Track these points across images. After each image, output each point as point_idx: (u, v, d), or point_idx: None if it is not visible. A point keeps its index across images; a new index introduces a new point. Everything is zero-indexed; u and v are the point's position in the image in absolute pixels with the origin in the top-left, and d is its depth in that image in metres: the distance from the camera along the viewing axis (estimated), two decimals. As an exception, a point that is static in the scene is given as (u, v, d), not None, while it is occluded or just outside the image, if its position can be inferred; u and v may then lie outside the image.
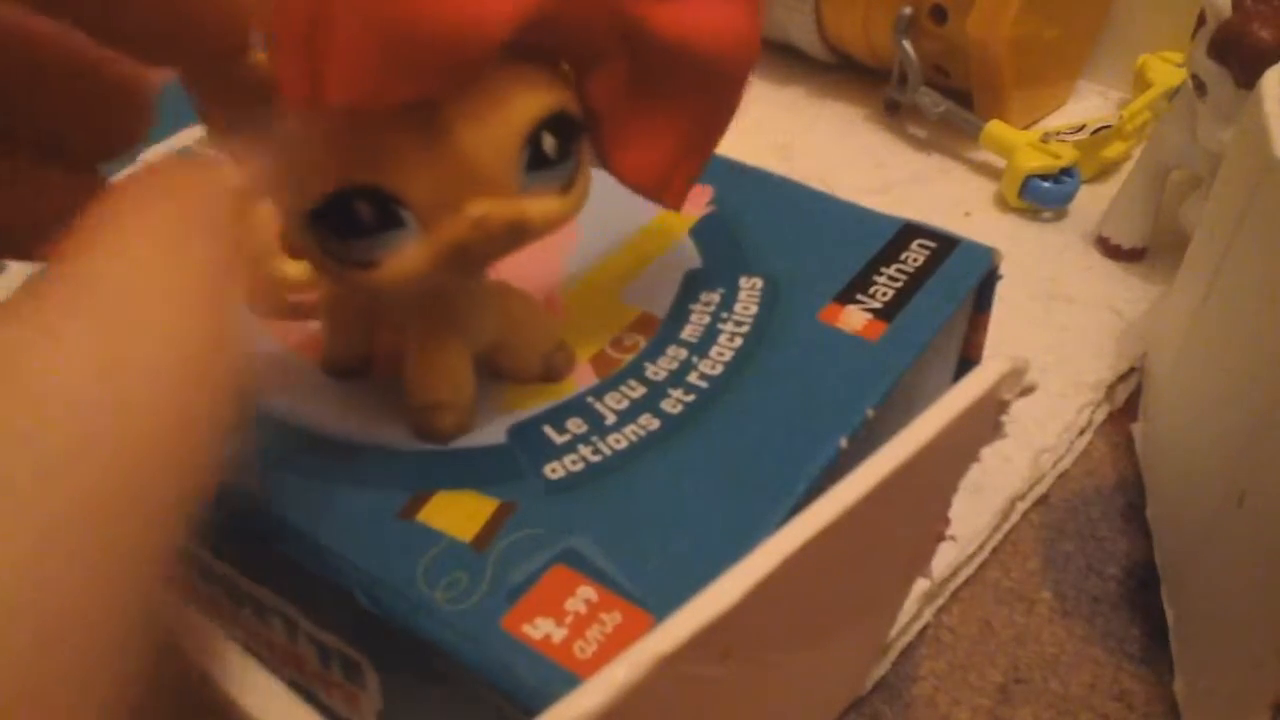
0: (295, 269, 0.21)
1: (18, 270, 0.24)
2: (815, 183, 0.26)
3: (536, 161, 0.16)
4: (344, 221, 0.16)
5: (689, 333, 0.22)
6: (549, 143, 0.16)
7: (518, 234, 0.17)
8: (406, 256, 0.16)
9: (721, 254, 0.24)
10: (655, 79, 0.17)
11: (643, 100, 0.17)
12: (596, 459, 0.19)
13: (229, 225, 0.13)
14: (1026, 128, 0.46)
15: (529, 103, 0.16)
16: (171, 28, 0.14)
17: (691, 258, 0.24)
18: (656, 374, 0.21)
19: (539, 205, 0.17)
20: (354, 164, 0.15)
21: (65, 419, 0.10)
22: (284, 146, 0.15)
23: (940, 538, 0.24)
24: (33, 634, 0.09)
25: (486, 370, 0.20)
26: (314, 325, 0.22)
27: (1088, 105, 0.49)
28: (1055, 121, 0.47)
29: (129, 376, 0.10)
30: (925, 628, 0.28)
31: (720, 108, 0.18)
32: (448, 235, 0.16)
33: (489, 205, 0.16)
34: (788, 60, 0.52)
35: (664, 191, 0.19)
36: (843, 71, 0.51)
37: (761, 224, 0.25)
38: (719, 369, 0.21)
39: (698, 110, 0.18)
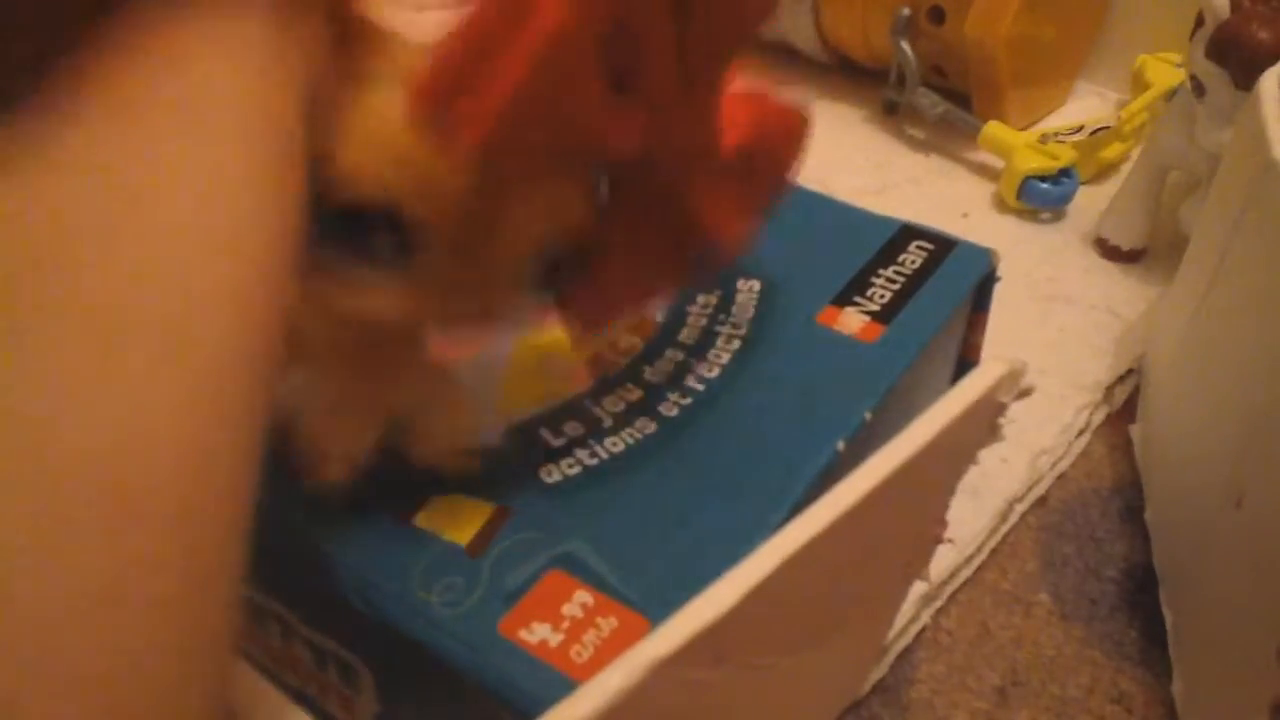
0: None
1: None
2: (813, 184, 0.26)
3: (545, 281, 0.17)
4: (352, 235, 0.16)
5: (686, 336, 0.22)
6: (555, 269, 0.17)
7: (478, 326, 0.17)
8: (394, 297, 0.16)
9: (719, 256, 0.24)
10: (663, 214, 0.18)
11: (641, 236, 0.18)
12: (593, 462, 0.19)
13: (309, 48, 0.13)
14: (1025, 129, 0.46)
15: (555, 214, 0.16)
16: None
17: (689, 260, 0.24)
18: (654, 377, 0.21)
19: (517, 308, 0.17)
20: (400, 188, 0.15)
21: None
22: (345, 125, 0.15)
23: (938, 540, 0.24)
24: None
25: (390, 439, 0.19)
26: None
27: (1086, 106, 0.49)
28: (1054, 122, 0.47)
29: (226, 184, 0.11)
30: (923, 630, 0.28)
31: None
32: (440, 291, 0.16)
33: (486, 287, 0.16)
34: (786, 61, 0.51)
35: (597, 325, 0.19)
36: (841, 72, 0.51)
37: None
38: (716, 372, 0.21)
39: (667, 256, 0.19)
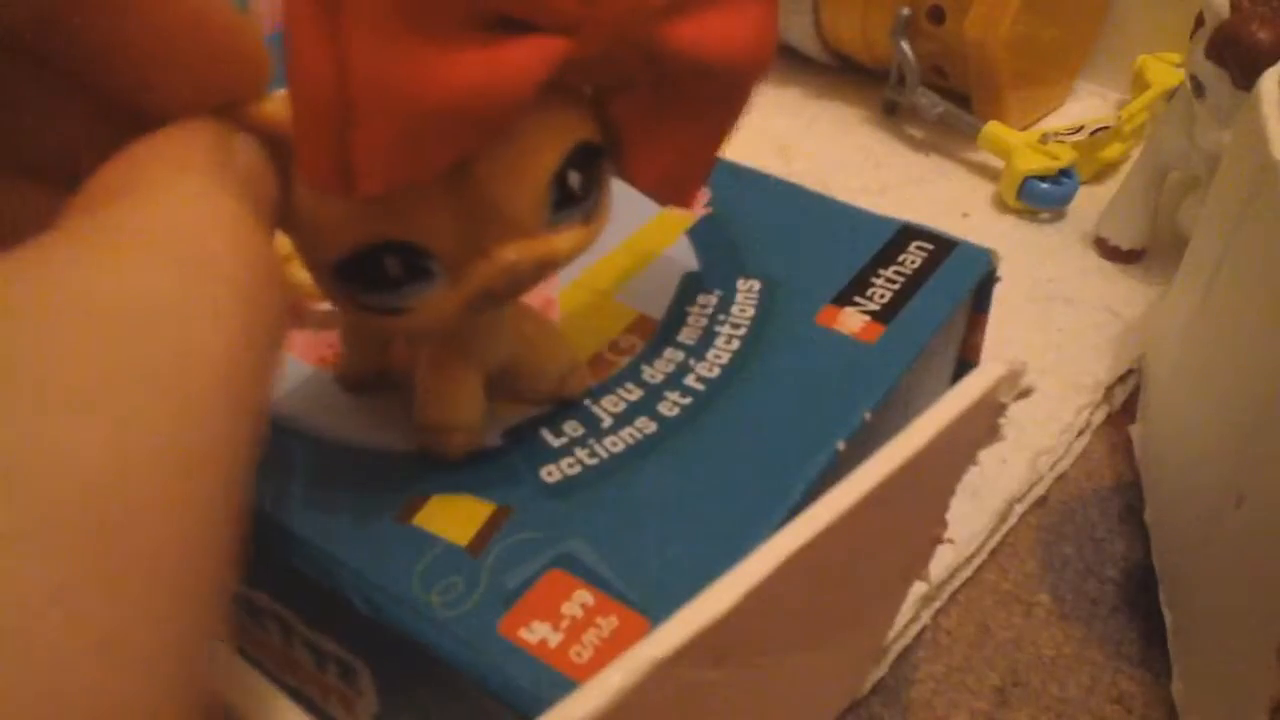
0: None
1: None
2: (813, 184, 0.26)
3: (562, 200, 0.16)
4: (371, 275, 0.15)
5: (686, 335, 0.22)
6: (575, 179, 0.16)
7: (546, 271, 0.16)
8: (434, 303, 0.16)
9: (719, 256, 0.24)
10: (676, 93, 0.17)
11: (663, 113, 0.17)
12: (593, 462, 0.19)
13: (266, 176, 0.13)
14: (1025, 129, 0.46)
15: (554, 143, 0.16)
16: (179, 63, 0.13)
17: (689, 260, 0.24)
18: (653, 377, 0.21)
19: (566, 239, 0.16)
20: (381, 220, 0.15)
21: (135, 342, 0.10)
22: (303, 203, 0.15)
23: (938, 540, 0.24)
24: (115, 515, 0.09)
25: (499, 391, 0.19)
26: (323, 332, 0.22)
27: (1086, 106, 0.49)
28: (1053, 122, 0.47)
29: (193, 311, 0.10)
30: (923, 630, 0.28)
31: (733, 111, 0.18)
32: (477, 281, 0.16)
33: (518, 249, 0.15)
34: (786, 61, 0.51)
35: (679, 194, 0.18)
36: (841, 73, 0.51)
37: (759, 226, 0.25)
38: (716, 371, 0.21)
39: (713, 116, 0.18)
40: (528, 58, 0.14)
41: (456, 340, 0.18)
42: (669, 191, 0.18)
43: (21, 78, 0.13)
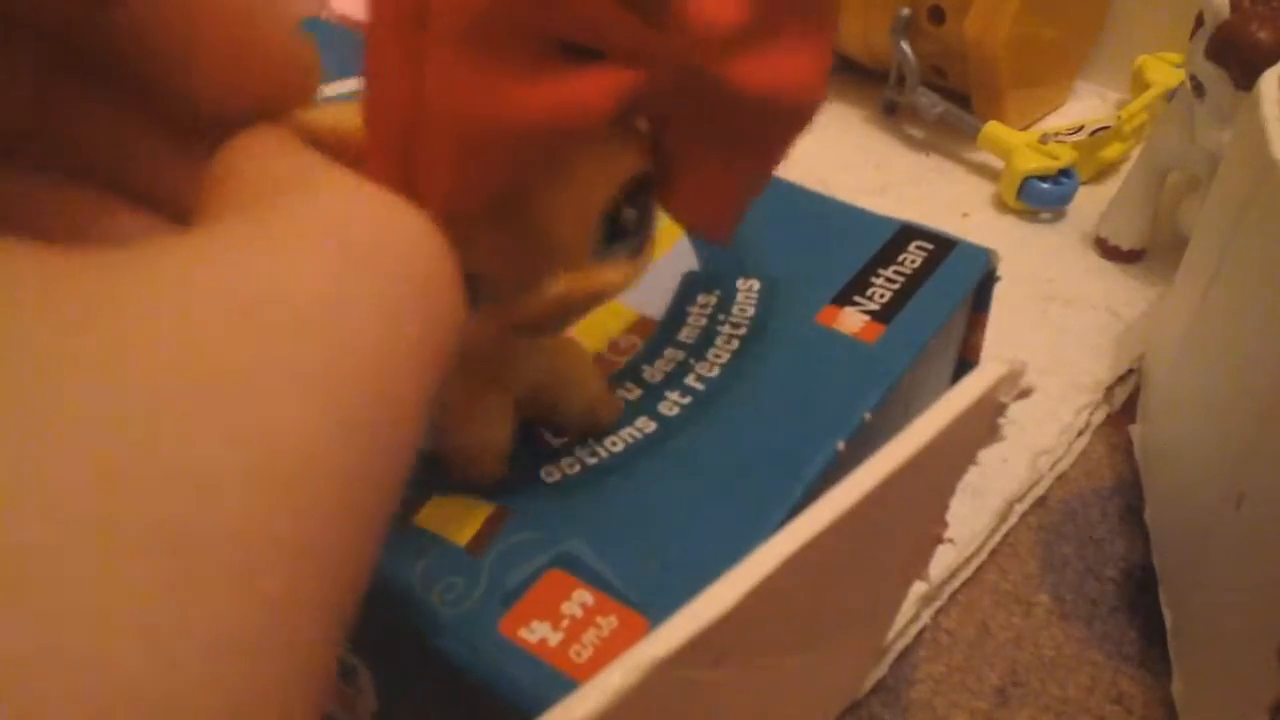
0: None
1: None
2: (813, 184, 0.26)
3: (614, 234, 0.16)
4: None
5: (686, 335, 0.22)
6: (628, 215, 0.16)
7: (593, 303, 0.16)
8: (478, 326, 0.15)
9: (719, 256, 0.24)
10: (731, 129, 0.16)
11: (716, 148, 0.17)
12: (593, 462, 0.19)
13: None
14: (1025, 129, 0.46)
15: (610, 178, 0.15)
16: (226, 71, 0.13)
17: (689, 259, 0.24)
18: (653, 376, 0.21)
19: (614, 273, 0.16)
20: None
21: (281, 338, 0.09)
22: None
23: (938, 540, 0.24)
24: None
25: (527, 415, 0.19)
26: None
27: (1086, 106, 0.49)
28: (1053, 122, 0.47)
29: (359, 305, 0.10)
30: (923, 630, 0.28)
31: (783, 148, 0.18)
32: (525, 312, 0.15)
33: (568, 282, 0.15)
34: (786, 61, 0.51)
35: (718, 229, 0.18)
36: (840, 72, 0.51)
37: (759, 225, 0.25)
38: (716, 371, 0.21)
39: (763, 153, 0.18)
40: (600, 88, 0.14)
41: (488, 364, 0.18)
42: (709, 226, 0.18)
43: (47, 71, 0.13)
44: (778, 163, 0.18)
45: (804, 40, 0.16)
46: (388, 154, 0.13)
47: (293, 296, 0.09)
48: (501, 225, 0.14)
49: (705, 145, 0.16)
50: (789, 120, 0.17)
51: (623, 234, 0.16)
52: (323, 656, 0.09)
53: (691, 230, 0.18)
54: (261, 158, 0.11)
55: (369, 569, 0.10)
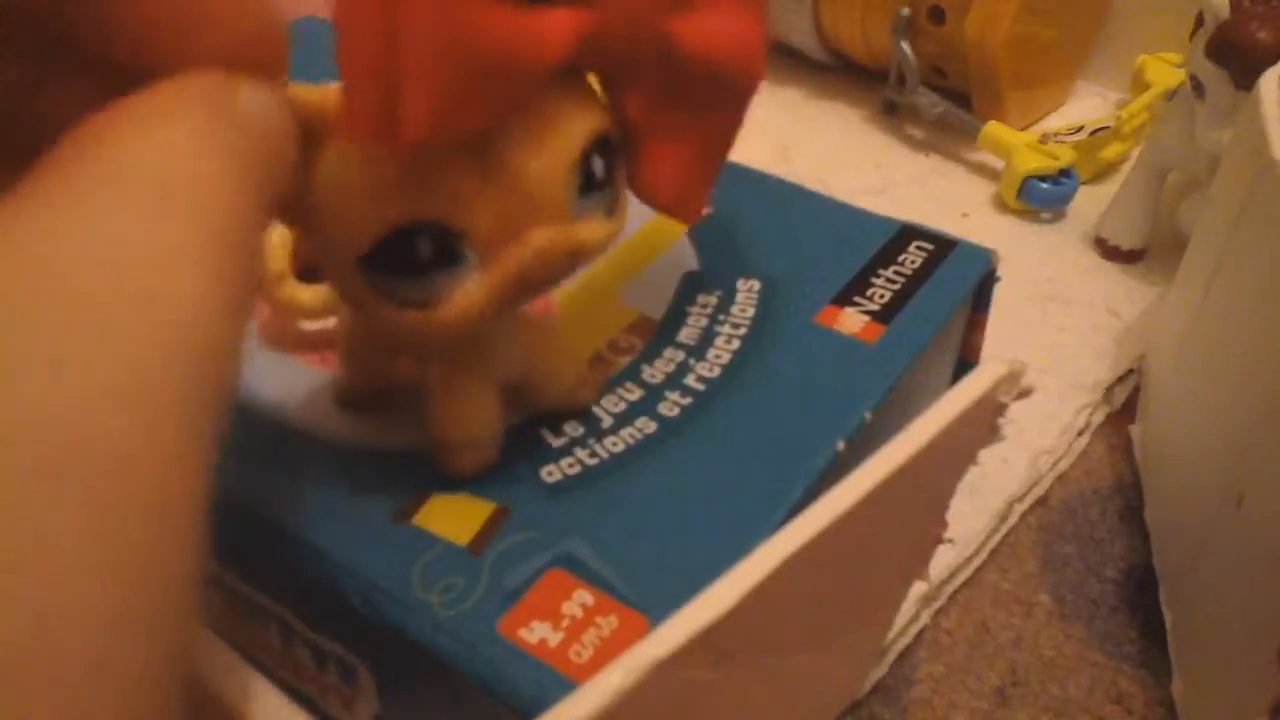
0: (309, 295, 0.21)
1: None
2: (813, 184, 0.26)
3: (587, 185, 0.16)
4: (402, 261, 0.15)
5: (686, 335, 0.22)
6: (598, 165, 0.16)
7: (574, 260, 0.16)
8: (467, 292, 0.16)
9: (719, 256, 0.24)
10: (679, 94, 0.17)
11: (668, 116, 0.18)
12: (593, 462, 0.19)
13: (278, 126, 0.13)
14: (1025, 129, 0.46)
15: (580, 125, 0.16)
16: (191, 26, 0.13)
17: (689, 259, 0.24)
18: (653, 377, 0.21)
19: (591, 229, 0.16)
20: (412, 200, 0.15)
21: (92, 304, 0.10)
22: (328, 190, 0.15)
23: (938, 540, 0.24)
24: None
25: (510, 405, 0.19)
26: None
27: (1086, 106, 0.49)
28: (1053, 122, 0.47)
29: (161, 260, 0.10)
30: (923, 630, 0.28)
31: (733, 120, 0.19)
32: (510, 266, 0.16)
33: (548, 233, 0.16)
34: (786, 61, 0.51)
35: (683, 207, 0.19)
36: (841, 72, 0.51)
37: (759, 226, 0.25)
38: (716, 371, 0.21)
39: (714, 124, 0.18)
40: (557, 25, 0.15)
41: (469, 354, 0.18)
42: (675, 202, 0.18)
43: (22, 53, 0.13)
44: (729, 135, 0.19)
45: (739, 9, 0.17)
46: (368, 87, 0.14)
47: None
48: (478, 176, 0.15)
49: (658, 113, 0.17)
50: (731, 86, 0.18)
51: (595, 186, 0.16)
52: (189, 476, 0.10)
53: (660, 210, 0.18)
54: (93, 116, 0.12)
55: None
